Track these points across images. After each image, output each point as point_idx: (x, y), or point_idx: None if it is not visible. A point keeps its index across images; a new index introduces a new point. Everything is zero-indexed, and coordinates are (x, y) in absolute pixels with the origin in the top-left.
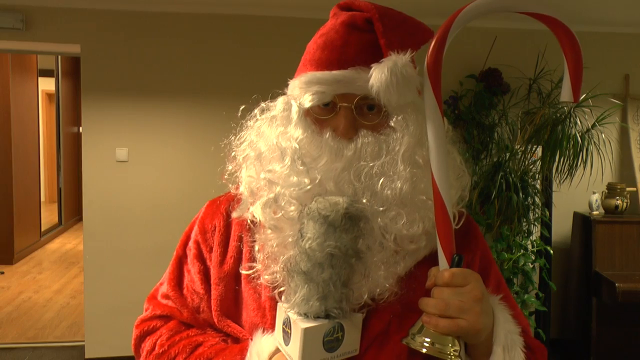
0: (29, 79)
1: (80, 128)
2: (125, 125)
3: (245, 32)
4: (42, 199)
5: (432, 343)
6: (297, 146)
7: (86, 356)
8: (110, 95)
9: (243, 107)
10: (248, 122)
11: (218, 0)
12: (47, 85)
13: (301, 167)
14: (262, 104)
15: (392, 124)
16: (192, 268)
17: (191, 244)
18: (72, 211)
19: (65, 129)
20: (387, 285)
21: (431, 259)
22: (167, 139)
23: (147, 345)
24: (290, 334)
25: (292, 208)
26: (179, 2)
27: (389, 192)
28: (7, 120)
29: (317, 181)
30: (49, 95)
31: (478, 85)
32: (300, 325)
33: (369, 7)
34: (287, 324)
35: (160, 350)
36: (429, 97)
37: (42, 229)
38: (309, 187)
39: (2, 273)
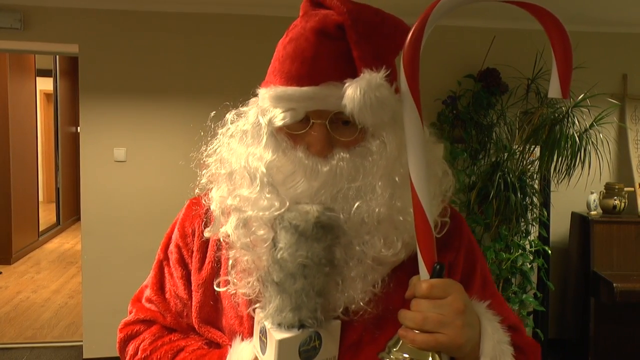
0: (26, 79)
1: (78, 128)
2: (123, 125)
3: (245, 31)
4: (40, 198)
5: (410, 359)
6: (265, 170)
7: (84, 356)
8: (109, 95)
9: (213, 113)
10: (219, 130)
11: (217, 0)
12: (45, 85)
13: (268, 195)
14: (233, 112)
15: (369, 145)
16: (175, 273)
17: (172, 247)
18: (70, 211)
19: (63, 128)
20: (362, 303)
21: (409, 264)
22: (165, 139)
23: (130, 349)
24: (267, 342)
25: (262, 232)
26: (178, 1)
27: (365, 215)
28: (5, 120)
29: (287, 205)
30: (46, 95)
31: (476, 85)
32: (275, 336)
33: (341, 10)
34: (263, 332)
35: (143, 355)
36: (407, 99)
37: (40, 229)
38: (278, 211)
39: (0, 273)
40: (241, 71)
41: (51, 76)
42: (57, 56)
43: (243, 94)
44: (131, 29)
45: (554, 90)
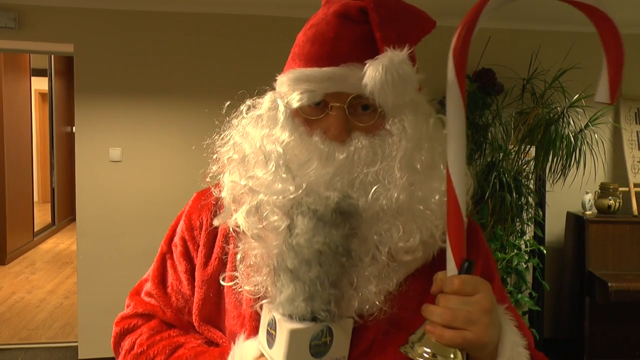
0: (21, 79)
1: (74, 128)
2: (118, 125)
3: (242, 31)
4: (35, 198)
5: (432, 354)
6: (282, 150)
7: (79, 357)
8: (104, 95)
9: (228, 103)
10: (233, 120)
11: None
12: (40, 84)
13: (285, 175)
14: (248, 101)
15: (388, 127)
16: (178, 266)
17: (177, 240)
18: (65, 211)
19: (58, 128)
20: (377, 302)
21: (425, 271)
22: (161, 139)
23: (126, 344)
24: (275, 335)
25: (276, 218)
26: (174, 1)
27: (384, 201)
28: None
29: (302, 189)
30: (42, 95)
31: (472, 86)
32: (286, 326)
33: None
34: (271, 325)
35: (139, 350)
36: (452, 86)
37: (35, 229)
38: (293, 195)
39: None
40: (238, 71)
41: (46, 76)
42: (52, 56)
43: (243, 95)
44: (127, 28)
45: (601, 95)
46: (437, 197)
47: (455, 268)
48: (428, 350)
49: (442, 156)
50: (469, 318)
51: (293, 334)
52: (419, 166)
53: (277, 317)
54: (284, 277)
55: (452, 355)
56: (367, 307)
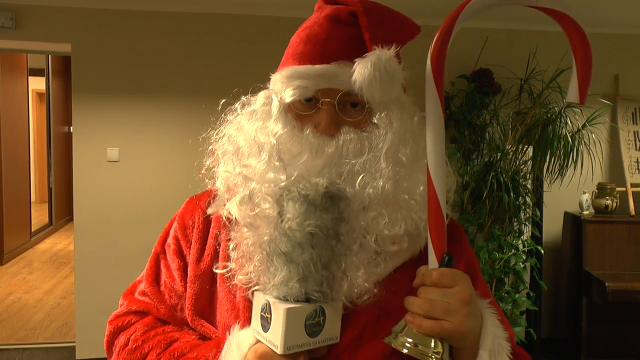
0: (19, 78)
1: (71, 128)
2: (116, 124)
3: (239, 31)
4: (33, 198)
5: (414, 344)
6: (275, 141)
7: (77, 357)
8: (101, 94)
9: (224, 100)
10: (228, 116)
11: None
12: (37, 84)
13: (277, 163)
14: (243, 98)
15: (375, 121)
16: (171, 264)
17: (170, 240)
18: (62, 211)
19: (55, 128)
20: (367, 285)
21: (412, 264)
22: (158, 139)
23: (120, 341)
24: (270, 319)
25: (267, 205)
26: (171, 1)
27: (370, 190)
28: None
29: (293, 177)
30: (39, 95)
31: (469, 86)
32: (282, 306)
33: (354, 1)
34: (266, 309)
35: (134, 346)
36: (430, 90)
37: (33, 229)
38: (284, 183)
39: None
40: (237, 71)
41: (43, 75)
42: (50, 55)
43: (238, 93)
44: (124, 28)
45: (572, 95)
46: (421, 188)
47: (437, 261)
48: (410, 340)
49: (426, 151)
50: (447, 309)
51: (290, 312)
52: (404, 159)
53: (272, 300)
54: (277, 260)
55: (432, 345)
56: (356, 290)
